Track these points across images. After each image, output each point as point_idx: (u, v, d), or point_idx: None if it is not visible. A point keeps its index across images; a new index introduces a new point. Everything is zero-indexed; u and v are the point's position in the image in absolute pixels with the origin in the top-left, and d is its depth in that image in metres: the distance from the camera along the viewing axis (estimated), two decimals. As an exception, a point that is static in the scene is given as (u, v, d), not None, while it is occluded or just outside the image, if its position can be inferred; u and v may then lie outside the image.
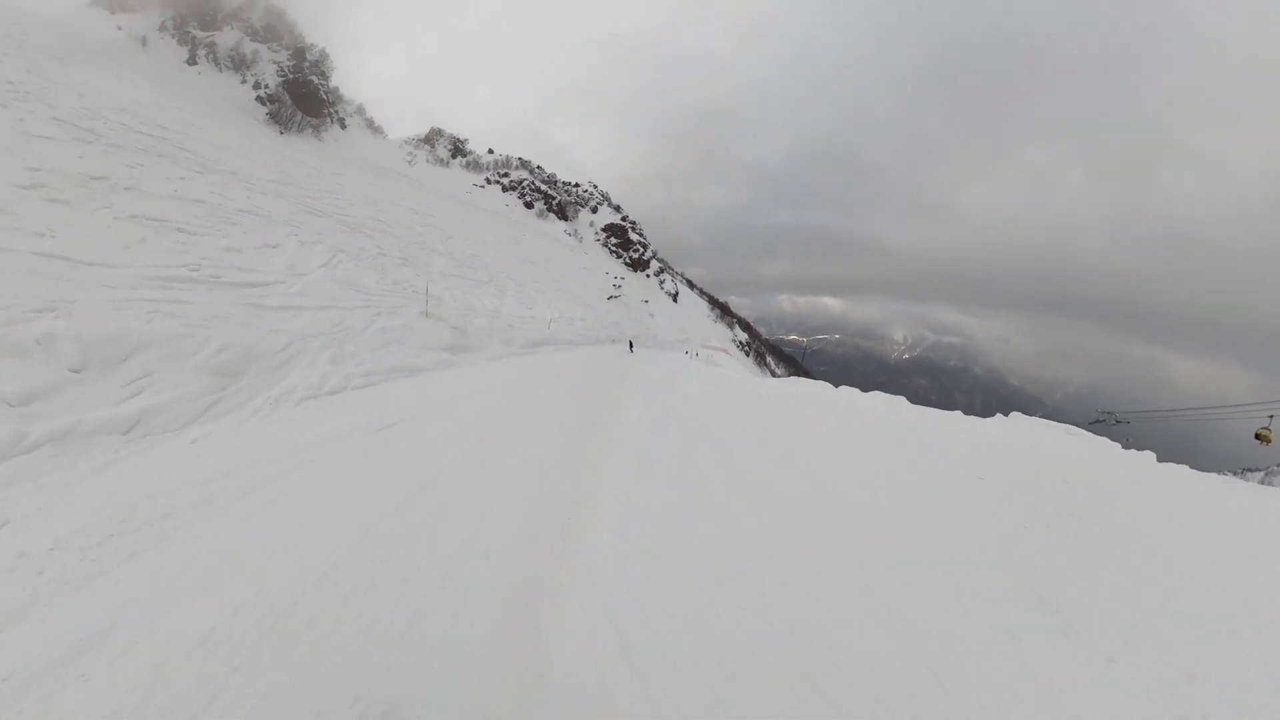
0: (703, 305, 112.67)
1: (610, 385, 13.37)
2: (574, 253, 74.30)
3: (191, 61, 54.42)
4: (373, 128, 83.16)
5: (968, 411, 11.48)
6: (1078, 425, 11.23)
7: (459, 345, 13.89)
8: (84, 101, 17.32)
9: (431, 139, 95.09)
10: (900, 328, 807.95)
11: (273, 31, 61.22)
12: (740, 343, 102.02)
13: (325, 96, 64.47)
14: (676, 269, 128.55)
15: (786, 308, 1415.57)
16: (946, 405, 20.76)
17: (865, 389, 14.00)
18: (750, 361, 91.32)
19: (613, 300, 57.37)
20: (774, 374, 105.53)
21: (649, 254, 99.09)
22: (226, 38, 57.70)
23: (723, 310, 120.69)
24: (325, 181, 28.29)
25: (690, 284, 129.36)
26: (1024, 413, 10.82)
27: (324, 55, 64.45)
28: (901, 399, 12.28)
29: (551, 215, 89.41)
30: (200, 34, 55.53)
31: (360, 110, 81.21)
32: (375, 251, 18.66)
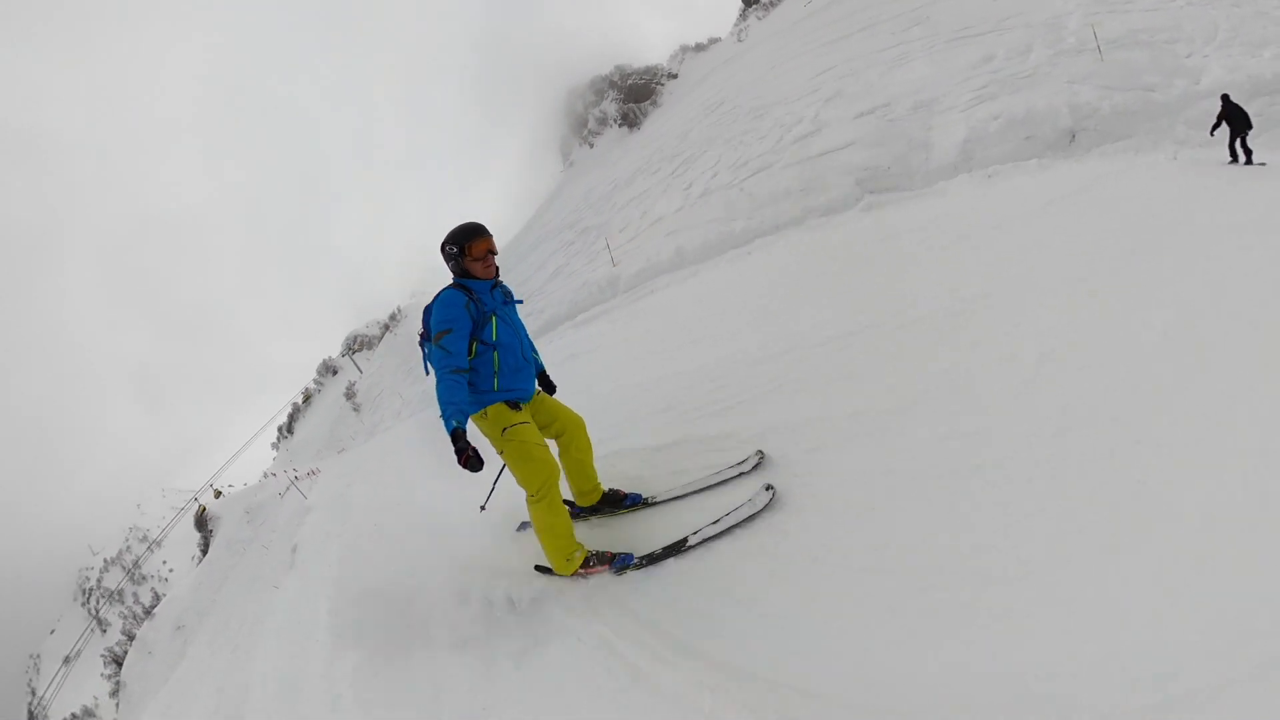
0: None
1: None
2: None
3: (590, 146, 71.30)
4: (698, 48, 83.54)
5: None
6: None
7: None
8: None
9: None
10: None
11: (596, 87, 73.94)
12: None
13: (645, 80, 70.95)
14: None
15: None
16: None
17: None
18: None
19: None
20: None
21: None
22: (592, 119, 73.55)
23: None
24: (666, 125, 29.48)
25: None
26: None
27: (617, 69, 72.34)
28: None
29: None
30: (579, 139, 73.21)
31: (681, 48, 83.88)
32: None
